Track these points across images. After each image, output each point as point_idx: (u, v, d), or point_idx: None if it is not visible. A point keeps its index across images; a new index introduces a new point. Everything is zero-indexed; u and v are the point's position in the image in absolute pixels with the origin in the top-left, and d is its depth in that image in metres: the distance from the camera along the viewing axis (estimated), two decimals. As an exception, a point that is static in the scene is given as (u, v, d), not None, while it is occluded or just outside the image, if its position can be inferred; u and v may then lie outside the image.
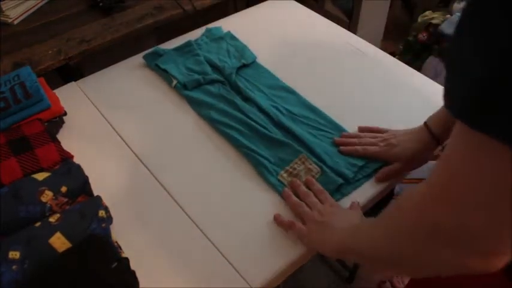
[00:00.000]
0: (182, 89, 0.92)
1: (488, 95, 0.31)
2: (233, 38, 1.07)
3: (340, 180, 0.74)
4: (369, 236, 0.56)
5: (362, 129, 0.84)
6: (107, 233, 0.65)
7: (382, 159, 0.78)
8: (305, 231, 0.67)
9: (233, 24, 1.13)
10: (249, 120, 0.84)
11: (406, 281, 1.21)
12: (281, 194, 0.74)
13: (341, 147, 0.81)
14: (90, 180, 0.71)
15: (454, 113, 0.35)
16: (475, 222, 0.37)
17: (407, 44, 1.79)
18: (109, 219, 0.67)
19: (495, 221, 0.36)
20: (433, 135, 0.74)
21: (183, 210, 0.73)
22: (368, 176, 0.78)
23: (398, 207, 0.49)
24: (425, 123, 0.76)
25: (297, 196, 0.73)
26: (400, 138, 0.78)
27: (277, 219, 0.70)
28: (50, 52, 1.03)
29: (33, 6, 1.17)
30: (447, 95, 0.37)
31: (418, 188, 0.44)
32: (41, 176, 0.68)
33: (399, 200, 0.49)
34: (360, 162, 0.78)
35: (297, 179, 0.75)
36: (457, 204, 0.38)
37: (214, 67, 0.98)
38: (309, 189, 0.74)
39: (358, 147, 0.79)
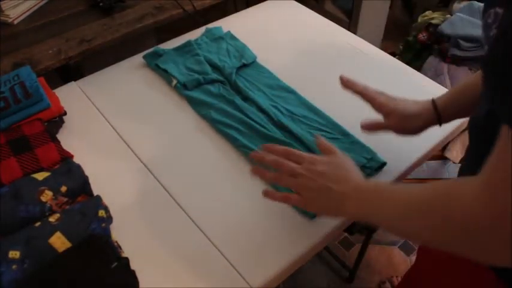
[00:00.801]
0: (182, 89, 0.92)
1: None
2: (233, 37, 1.07)
3: (340, 180, 0.74)
4: (400, 213, 0.52)
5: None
6: (107, 233, 0.65)
7: (379, 104, 0.73)
8: (304, 201, 0.61)
9: (233, 24, 1.13)
10: (248, 120, 0.84)
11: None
12: (251, 172, 0.65)
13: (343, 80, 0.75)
14: (90, 180, 0.71)
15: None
16: None
17: (407, 44, 1.79)
18: (109, 219, 0.67)
19: None
20: (436, 112, 0.71)
21: (182, 209, 0.73)
22: (369, 176, 0.77)
23: (443, 207, 0.46)
24: (432, 99, 0.73)
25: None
26: (402, 99, 0.75)
27: (268, 194, 0.64)
28: (50, 52, 1.03)
29: (33, 6, 1.17)
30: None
31: (472, 186, 0.42)
32: (41, 176, 0.68)
33: (443, 198, 0.46)
34: (360, 163, 0.78)
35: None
36: None
37: (214, 67, 0.98)
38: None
39: (360, 86, 0.74)
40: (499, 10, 0.42)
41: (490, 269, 0.56)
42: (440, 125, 0.72)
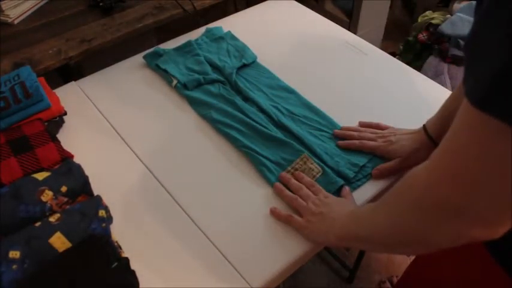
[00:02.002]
0: (182, 89, 0.92)
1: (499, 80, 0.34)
2: (233, 37, 1.07)
3: (341, 182, 0.74)
4: (371, 220, 0.56)
5: (362, 125, 0.85)
6: (107, 233, 0.65)
7: (379, 155, 0.79)
8: (304, 223, 0.68)
9: (233, 24, 1.13)
10: (249, 120, 0.84)
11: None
12: (273, 188, 0.75)
13: (339, 142, 0.82)
14: (90, 180, 0.71)
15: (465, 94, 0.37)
16: (479, 198, 0.39)
17: (408, 44, 1.79)
18: (109, 219, 0.67)
19: (499, 196, 0.38)
20: (429, 138, 0.74)
21: (183, 210, 0.73)
22: (368, 176, 0.78)
23: (401, 188, 0.50)
24: (423, 125, 0.77)
25: (289, 190, 0.74)
26: (398, 136, 0.79)
27: (274, 213, 0.71)
28: (50, 52, 1.03)
29: (33, 6, 1.17)
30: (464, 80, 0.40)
31: (421, 169, 0.45)
32: (41, 176, 0.68)
33: (401, 182, 0.50)
34: (360, 162, 0.78)
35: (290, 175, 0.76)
36: (460, 183, 0.40)
37: (215, 67, 0.98)
38: (300, 182, 0.74)
39: (356, 141, 0.80)
40: None
41: (493, 258, 0.55)
42: None
